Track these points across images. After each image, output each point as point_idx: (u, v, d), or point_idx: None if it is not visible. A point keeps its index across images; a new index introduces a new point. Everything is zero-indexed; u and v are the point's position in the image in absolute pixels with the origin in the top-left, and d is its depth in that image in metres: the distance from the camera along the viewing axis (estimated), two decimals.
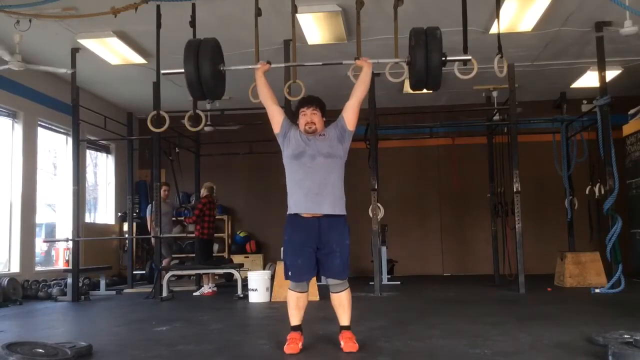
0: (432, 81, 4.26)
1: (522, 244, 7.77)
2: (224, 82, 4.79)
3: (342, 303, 3.96)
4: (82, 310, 7.18)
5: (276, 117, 4.12)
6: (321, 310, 5.61)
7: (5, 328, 5.49)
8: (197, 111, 6.97)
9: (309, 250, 3.91)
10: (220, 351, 3.97)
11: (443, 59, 4.04)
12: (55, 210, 10.41)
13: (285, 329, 4.02)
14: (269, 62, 4.28)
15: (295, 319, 3.98)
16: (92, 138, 10.52)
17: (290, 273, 3.95)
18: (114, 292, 9.03)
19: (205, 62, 4.34)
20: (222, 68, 4.49)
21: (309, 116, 4.01)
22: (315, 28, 7.55)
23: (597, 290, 7.43)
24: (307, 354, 3.85)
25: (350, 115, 4.07)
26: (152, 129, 7.13)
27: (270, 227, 11.59)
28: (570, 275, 8.38)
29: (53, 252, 10.53)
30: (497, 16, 6.30)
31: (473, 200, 11.50)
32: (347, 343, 3.83)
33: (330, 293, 4.01)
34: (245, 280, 7.73)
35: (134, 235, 10.60)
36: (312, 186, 3.89)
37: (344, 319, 3.97)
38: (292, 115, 8.26)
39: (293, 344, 3.84)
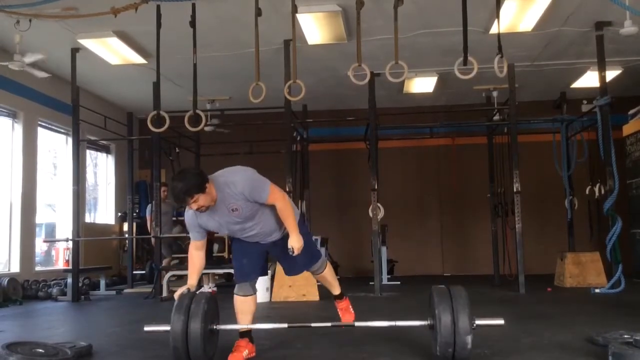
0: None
1: (522, 244, 7.77)
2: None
3: (324, 278, 4.04)
4: (82, 310, 7.17)
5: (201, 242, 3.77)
6: (321, 310, 5.61)
7: (5, 328, 5.48)
8: (197, 111, 6.98)
9: (258, 251, 3.76)
10: (219, 352, 3.96)
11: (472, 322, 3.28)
12: (55, 210, 10.41)
13: (285, 329, 4.01)
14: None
15: (242, 325, 3.74)
16: (92, 138, 10.52)
17: (234, 273, 3.84)
18: (114, 292, 9.03)
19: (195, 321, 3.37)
20: (215, 327, 3.58)
21: (194, 207, 3.38)
22: (315, 28, 7.55)
23: (597, 291, 7.43)
24: (307, 353, 3.85)
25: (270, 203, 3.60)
26: (152, 129, 7.15)
27: None
28: (570, 275, 8.38)
29: (53, 252, 10.54)
30: (497, 16, 6.31)
31: (473, 200, 11.50)
32: (344, 315, 3.95)
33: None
34: None
35: (134, 235, 10.60)
36: (257, 239, 3.72)
37: (334, 289, 4.08)
38: (291, 115, 8.28)
39: (237, 352, 3.63)
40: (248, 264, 3.74)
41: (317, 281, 4.21)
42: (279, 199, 3.55)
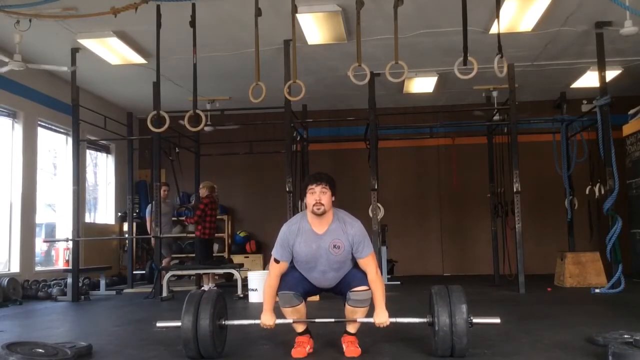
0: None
1: (522, 244, 7.77)
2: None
3: (355, 316, 3.71)
4: (82, 310, 7.17)
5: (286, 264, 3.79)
6: (322, 310, 5.60)
7: (5, 328, 5.48)
8: (197, 111, 6.98)
9: (310, 284, 3.78)
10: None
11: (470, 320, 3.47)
12: (55, 210, 10.41)
13: (285, 329, 4.01)
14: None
15: (299, 327, 3.81)
16: (92, 138, 10.51)
17: (279, 285, 3.70)
18: (114, 292, 9.03)
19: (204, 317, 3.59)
20: (223, 322, 3.78)
21: (318, 194, 3.61)
22: (315, 28, 7.55)
23: (597, 290, 7.43)
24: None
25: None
26: (152, 129, 7.14)
27: (270, 227, 11.53)
28: (570, 275, 8.38)
29: (53, 252, 10.53)
30: (497, 16, 6.31)
31: (473, 200, 11.50)
32: (349, 347, 3.72)
33: (346, 305, 3.70)
34: (245, 280, 7.73)
35: (134, 235, 10.60)
36: (316, 282, 3.80)
37: (352, 328, 3.81)
38: (291, 115, 8.25)
39: (300, 347, 3.73)
40: (298, 277, 3.75)
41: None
42: (374, 265, 3.69)
